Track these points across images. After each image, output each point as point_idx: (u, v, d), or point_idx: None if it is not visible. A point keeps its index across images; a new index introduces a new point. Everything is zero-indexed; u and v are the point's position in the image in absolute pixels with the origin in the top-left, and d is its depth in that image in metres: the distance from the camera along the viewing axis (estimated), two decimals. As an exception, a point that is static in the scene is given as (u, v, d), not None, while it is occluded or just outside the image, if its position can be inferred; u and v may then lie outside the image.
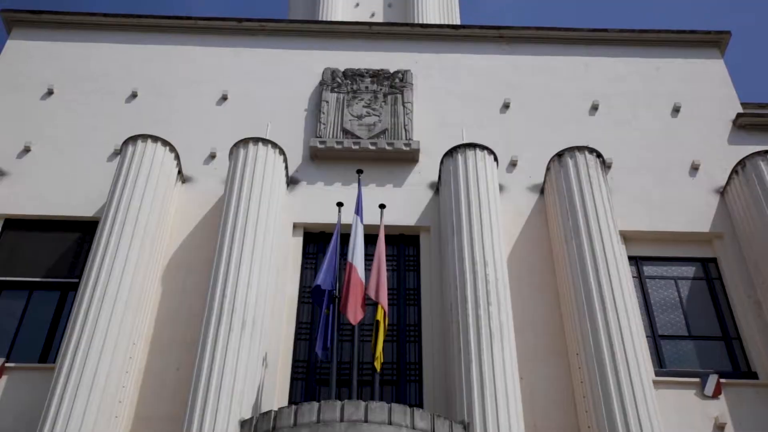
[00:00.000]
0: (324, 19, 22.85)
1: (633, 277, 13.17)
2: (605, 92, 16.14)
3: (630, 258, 13.40)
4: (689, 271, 13.66)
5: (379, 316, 11.11)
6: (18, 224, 13.77)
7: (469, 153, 13.63)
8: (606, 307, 11.53)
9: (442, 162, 13.95)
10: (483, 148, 13.77)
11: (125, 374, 11.22)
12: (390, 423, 9.84)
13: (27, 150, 14.67)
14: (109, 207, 12.62)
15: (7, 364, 11.83)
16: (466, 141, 14.19)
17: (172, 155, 13.86)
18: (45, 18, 16.95)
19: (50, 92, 15.70)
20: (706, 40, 17.08)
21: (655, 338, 12.70)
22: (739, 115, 15.55)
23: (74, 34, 16.82)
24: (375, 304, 11.39)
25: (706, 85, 16.33)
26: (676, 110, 15.81)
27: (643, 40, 17.09)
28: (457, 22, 24.60)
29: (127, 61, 16.38)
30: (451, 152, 13.83)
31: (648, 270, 13.60)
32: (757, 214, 13.13)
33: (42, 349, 12.33)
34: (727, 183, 14.21)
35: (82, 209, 13.78)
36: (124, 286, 11.67)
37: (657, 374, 11.99)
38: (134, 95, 15.74)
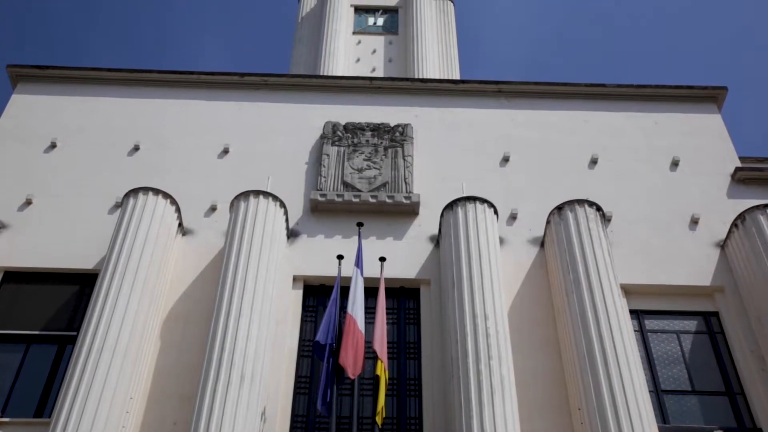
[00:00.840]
0: (325, 74, 23.15)
1: (635, 330, 13.07)
2: (604, 146, 16.25)
3: (631, 311, 13.33)
4: (691, 325, 13.58)
5: (379, 370, 11.01)
6: (17, 277, 13.74)
7: (470, 206, 13.66)
8: (608, 361, 11.42)
9: (442, 215, 13.98)
10: (483, 201, 13.81)
11: (121, 429, 11.07)
12: (390, 480, 9.68)
13: (28, 202, 14.71)
14: (109, 259, 12.60)
15: (2, 419, 11.68)
16: (466, 194, 14.23)
17: (173, 208, 13.90)
18: (50, 73, 17.15)
19: (53, 145, 15.81)
20: (704, 96, 17.26)
21: (658, 393, 12.56)
22: (737, 170, 15.63)
23: (79, 89, 17.01)
24: (374, 358, 11.30)
25: (705, 140, 16.45)
26: (675, 164, 15.90)
27: (641, 95, 17.27)
28: (457, 76, 24.92)
29: (130, 115, 16.53)
30: (451, 205, 13.86)
31: (649, 324, 13.52)
32: (758, 268, 13.10)
33: (38, 403, 12.19)
34: (727, 237, 14.21)
35: (82, 262, 13.76)
36: (122, 338, 11.58)
37: (660, 430, 11.80)
38: (136, 148, 15.85)
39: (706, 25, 54.22)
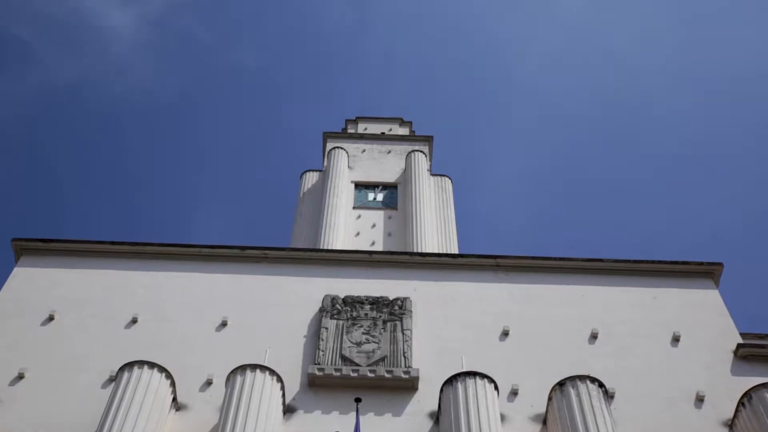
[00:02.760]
0: (325, 247, 23.43)
1: None
2: (604, 320, 16.22)
3: (640, 495, 12.79)
4: None
5: None
6: (2, 455, 13.29)
7: (470, 381, 13.45)
8: None
9: (442, 390, 13.73)
10: (483, 376, 13.62)
11: None
12: None
13: (21, 377, 14.47)
14: (99, 436, 12.23)
15: None
16: (466, 369, 14.07)
17: (168, 382, 13.67)
18: (54, 246, 17.39)
19: (51, 318, 15.76)
20: (700, 271, 17.44)
21: None
22: (739, 346, 15.53)
23: (80, 261, 17.18)
24: None
25: (704, 315, 16.44)
26: (675, 339, 15.81)
27: (638, 270, 17.44)
28: (456, 250, 25.19)
29: (130, 287, 16.60)
30: (451, 380, 13.65)
31: (660, 508, 12.93)
32: (769, 449, 12.70)
33: None
34: (735, 416, 13.87)
35: (71, 439, 13.33)
36: None
37: None
38: (134, 321, 15.81)
39: (701, 199, 55.62)
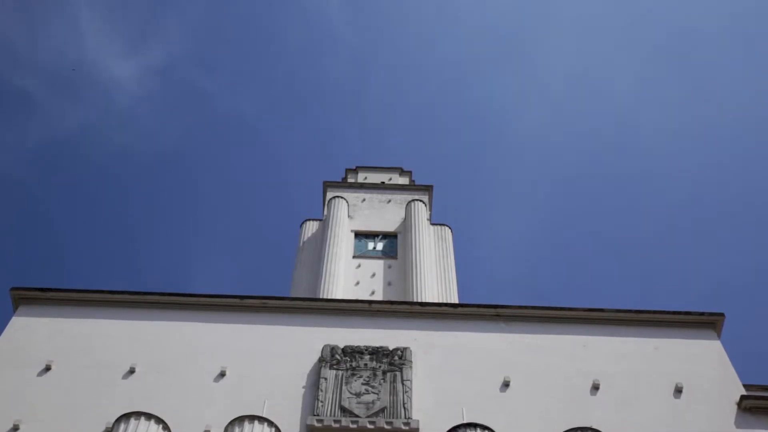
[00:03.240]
0: (325, 296, 23.37)
1: None
2: (605, 371, 16.08)
3: None
4: None
5: None
6: None
7: (470, 433, 13.30)
8: None
9: (442, 443, 13.58)
10: (484, 427, 13.50)
11: None
12: None
13: (15, 428, 14.32)
14: (94, 489, 12.05)
15: None
16: (466, 420, 13.94)
17: (165, 433, 13.52)
18: (52, 295, 17.33)
19: (48, 368, 15.64)
20: (701, 321, 17.34)
21: None
22: (743, 398, 15.37)
23: (79, 310, 17.11)
24: None
25: (706, 366, 16.31)
26: (678, 391, 15.66)
27: (639, 321, 17.35)
28: (456, 299, 25.12)
29: (129, 337, 16.50)
30: (451, 432, 13.50)
31: None
32: (775, 503, 12.50)
33: None
34: (739, 468, 13.70)
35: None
36: None
37: None
38: (132, 371, 15.68)
39: (702, 249, 55.63)
